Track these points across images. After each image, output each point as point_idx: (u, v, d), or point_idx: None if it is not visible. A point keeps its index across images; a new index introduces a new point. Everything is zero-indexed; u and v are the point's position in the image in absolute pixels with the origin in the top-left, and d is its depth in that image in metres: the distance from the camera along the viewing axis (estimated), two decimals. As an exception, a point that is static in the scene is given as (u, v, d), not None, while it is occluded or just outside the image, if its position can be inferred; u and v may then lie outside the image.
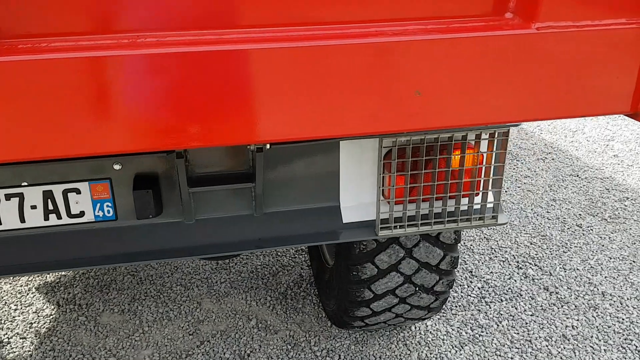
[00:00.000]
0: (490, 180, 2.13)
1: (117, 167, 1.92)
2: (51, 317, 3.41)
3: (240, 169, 2.00)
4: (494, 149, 2.09)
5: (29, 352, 3.13)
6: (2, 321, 3.38)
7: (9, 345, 3.19)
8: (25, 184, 1.90)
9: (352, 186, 2.10)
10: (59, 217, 1.95)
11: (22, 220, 1.93)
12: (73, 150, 1.32)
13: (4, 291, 3.66)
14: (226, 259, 3.15)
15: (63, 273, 3.85)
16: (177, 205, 2.01)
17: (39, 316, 3.42)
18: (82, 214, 1.96)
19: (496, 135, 2.07)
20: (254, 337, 3.24)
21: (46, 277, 3.79)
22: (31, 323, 3.36)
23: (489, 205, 2.17)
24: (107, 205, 1.96)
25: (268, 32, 1.30)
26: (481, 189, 2.14)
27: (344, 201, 2.11)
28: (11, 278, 3.78)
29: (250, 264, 3.92)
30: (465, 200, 2.14)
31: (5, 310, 3.48)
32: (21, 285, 3.71)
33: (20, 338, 3.24)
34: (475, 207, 2.15)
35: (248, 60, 1.27)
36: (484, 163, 2.11)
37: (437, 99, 1.33)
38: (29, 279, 3.77)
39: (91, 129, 1.28)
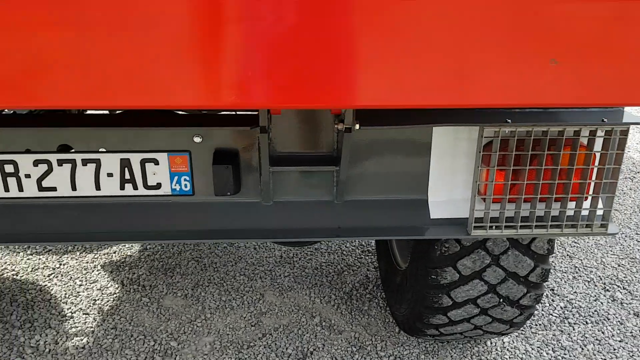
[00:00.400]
0: (603, 184, 1.89)
1: (197, 139, 1.82)
2: (115, 295, 3.38)
3: (324, 150, 1.86)
4: (610, 149, 1.85)
5: (91, 329, 3.10)
6: (67, 295, 3.38)
7: (72, 319, 3.17)
8: (103, 150, 1.82)
9: (444, 179, 1.91)
10: (135, 187, 1.86)
11: (98, 187, 1.86)
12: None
13: (70, 266, 3.68)
14: (302, 246, 3.00)
15: (129, 253, 3.84)
16: (255, 185, 1.89)
17: (102, 293, 3.40)
18: (158, 186, 1.87)
19: (614, 134, 1.83)
20: (317, 335, 3.09)
21: (111, 256, 3.79)
22: (95, 300, 3.34)
23: (599, 212, 1.93)
24: (185, 179, 1.86)
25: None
26: (591, 192, 1.90)
27: (432, 195, 1.93)
28: (78, 254, 3.80)
29: (314, 260, 3.78)
30: (572, 204, 1.91)
31: (70, 285, 3.48)
32: (87, 262, 3.72)
33: (84, 314, 3.22)
34: (583, 212, 1.92)
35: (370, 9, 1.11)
36: (597, 164, 1.87)
37: (576, 70, 1.13)
38: (95, 256, 3.78)
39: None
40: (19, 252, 3.80)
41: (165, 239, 1.91)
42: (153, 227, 1.89)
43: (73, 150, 1.81)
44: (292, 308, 3.30)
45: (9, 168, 1.80)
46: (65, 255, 3.79)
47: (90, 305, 3.29)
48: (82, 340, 3.02)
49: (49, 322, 3.14)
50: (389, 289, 3.15)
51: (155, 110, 1.82)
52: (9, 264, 3.67)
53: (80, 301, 3.33)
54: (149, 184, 1.86)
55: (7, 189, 1.83)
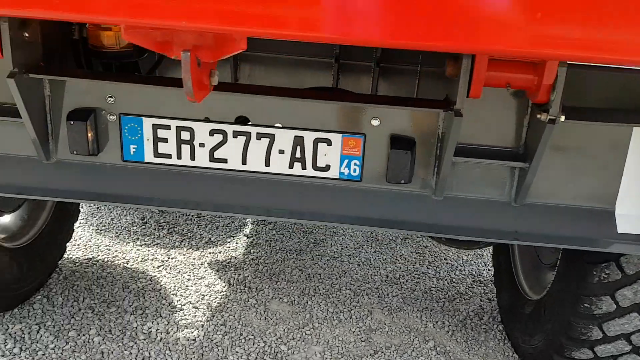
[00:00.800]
0: None
1: (375, 122, 1.75)
2: (222, 293, 3.35)
3: (509, 145, 1.75)
4: None
5: (201, 323, 3.06)
6: (176, 288, 3.37)
7: (181, 311, 3.15)
8: (279, 125, 1.79)
9: (637, 190, 1.75)
10: (304, 167, 1.81)
11: (267, 164, 1.82)
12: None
13: (178, 261, 3.69)
14: (471, 248, 2.82)
15: (233, 255, 3.82)
16: (428, 176, 1.80)
17: (210, 290, 3.37)
18: (327, 167, 1.81)
19: None
20: (432, 359, 2.91)
21: (217, 255, 3.78)
22: (203, 295, 3.31)
23: None
24: (355, 164, 1.80)
25: None
26: None
27: (621, 207, 1.77)
28: (184, 249, 3.82)
29: (422, 284, 3.63)
30: None
31: (179, 279, 3.48)
32: (194, 259, 3.72)
33: (193, 307, 3.19)
34: None
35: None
36: None
37: None
38: (202, 254, 3.78)
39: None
40: (129, 242, 3.86)
41: (327, 221, 1.83)
42: (316, 208, 1.83)
43: (250, 123, 1.78)
44: (403, 329, 3.15)
45: (185, 135, 1.80)
46: (173, 250, 3.81)
47: (199, 300, 3.26)
48: (192, 332, 2.98)
49: (160, 312, 3.12)
50: (515, 320, 2.95)
51: (334, 90, 1.77)
52: (119, 252, 3.73)
53: (189, 295, 3.31)
54: (318, 165, 1.81)
55: (179, 157, 1.82)
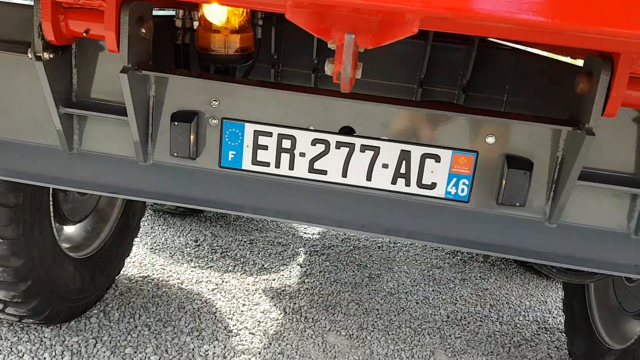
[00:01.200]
0: None
1: (490, 140, 1.67)
2: (278, 321, 3.23)
3: (632, 172, 1.64)
4: None
5: (258, 349, 2.94)
6: (232, 312, 3.27)
7: (238, 337, 3.04)
8: (385, 137, 1.71)
9: None
10: (408, 183, 1.73)
11: (369, 178, 1.74)
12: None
13: (232, 285, 3.59)
14: (584, 281, 2.65)
15: (288, 283, 3.71)
16: (541, 201, 1.69)
17: (266, 317, 3.26)
18: (432, 186, 1.72)
19: None
20: (504, 406, 2.73)
21: (271, 283, 3.67)
22: (259, 321, 3.20)
23: None
24: (464, 183, 1.70)
25: None
26: None
27: None
28: (238, 274, 3.73)
29: (485, 327, 3.45)
30: None
31: (234, 303, 3.38)
32: (248, 284, 3.63)
33: (250, 333, 3.08)
34: None
35: None
36: None
37: None
38: (255, 279, 3.68)
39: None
40: (183, 263, 3.79)
41: (426, 240, 1.72)
42: (415, 227, 1.73)
43: (355, 134, 1.72)
44: (469, 372, 2.98)
45: (286, 143, 1.73)
46: (227, 274, 3.73)
47: (255, 326, 3.15)
48: (250, 359, 2.86)
49: (217, 335, 3.02)
50: (593, 369, 2.76)
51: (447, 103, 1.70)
52: (174, 272, 3.66)
53: (245, 320, 3.20)
54: (424, 182, 1.72)
55: (277, 165, 1.75)
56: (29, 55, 1.59)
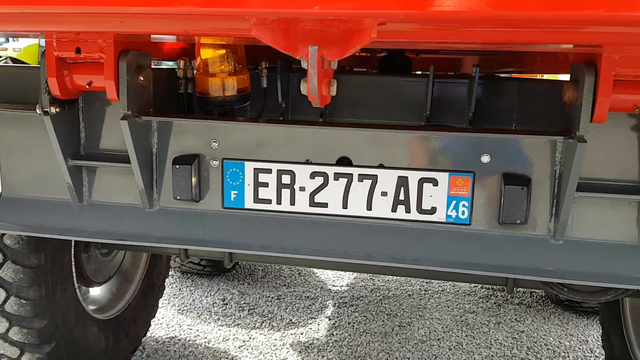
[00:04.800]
0: None
1: (485, 159, 1.67)
2: (306, 375, 3.16)
3: (634, 179, 1.60)
4: None
5: (285, 403, 2.87)
6: (258, 368, 3.22)
7: (264, 392, 2.98)
8: (382, 165, 1.73)
9: None
10: (408, 210, 1.72)
11: (369, 207, 1.75)
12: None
13: (259, 341, 3.55)
14: (597, 300, 2.54)
15: (316, 336, 3.64)
16: (544, 217, 1.66)
17: (294, 371, 3.19)
18: (433, 210, 1.72)
19: None
20: None
21: (299, 337, 3.62)
22: (286, 377, 3.14)
23: None
24: (464, 205, 1.69)
25: None
26: None
27: None
28: (265, 330, 3.68)
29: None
30: None
31: None
32: (275, 339, 3.58)
33: (276, 388, 3.02)
34: None
35: None
36: None
37: None
38: (283, 334, 3.63)
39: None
40: (210, 322, 3.78)
41: (432, 266, 1.69)
42: (419, 254, 1.71)
43: (352, 165, 1.74)
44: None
45: (285, 179, 1.77)
46: (254, 330, 3.69)
47: (282, 381, 3.08)
48: (277, 413, 2.79)
49: (243, 391, 2.96)
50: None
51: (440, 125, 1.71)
52: (200, 332, 3.64)
53: (272, 376, 3.14)
54: (424, 207, 1.72)
55: (279, 202, 1.78)
56: (38, 110, 1.69)
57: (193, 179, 1.77)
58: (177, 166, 1.75)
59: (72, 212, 1.88)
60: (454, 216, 1.71)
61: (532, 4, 0.99)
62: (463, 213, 1.70)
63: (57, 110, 1.67)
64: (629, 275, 1.59)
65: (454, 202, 1.70)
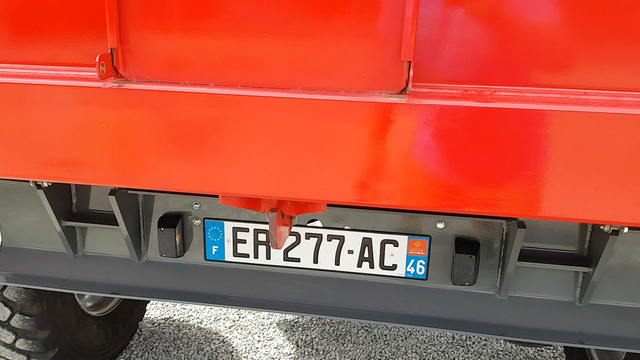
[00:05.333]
0: None
1: (440, 225, 1.85)
2: (291, 356, 3.46)
3: (572, 248, 1.80)
4: None
5: (271, 387, 3.19)
6: (247, 350, 3.52)
7: (253, 375, 3.29)
8: (348, 227, 1.91)
9: None
10: (372, 266, 1.92)
11: (337, 262, 1.94)
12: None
13: (248, 320, 3.84)
14: (535, 347, 2.83)
15: (300, 317, 3.93)
16: (492, 276, 1.86)
17: (279, 352, 3.50)
18: (394, 267, 1.91)
19: None
20: None
21: (285, 316, 3.91)
22: (272, 358, 3.44)
23: None
24: (421, 263, 1.89)
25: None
26: None
27: (691, 309, 1.77)
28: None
29: (490, 347, 3.62)
30: None
31: (249, 340, 3.62)
32: (263, 318, 3.87)
33: (263, 371, 3.33)
34: None
35: None
36: None
37: None
38: (270, 314, 3.92)
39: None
40: (202, 301, 4.05)
41: (395, 322, 1.92)
42: (383, 307, 1.92)
43: (321, 226, 1.92)
44: (470, 397, 3.16)
45: (261, 237, 1.95)
46: (243, 310, 3.97)
47: (269, 363, 3.39)
48: (263, 398, 3.10)
49: (233, 375, 3.27)
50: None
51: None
52: (194, 311, 3.92)
53: (260, 357, 3.44)
54: (386, 264, 1.91)
55: (256, 256, 1.97)
56: (31, 184, 1.84)
57: (177, 238, 1.94)
58: (162, 229, 1.92)
59: (67, 262, 2.07)
60: (412, 272, 1.91)
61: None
62: (420, 270, 1.90)
63: (49, 184, 1.82)
64: (564, 331, 1.81)
65: (412, 261, 1.90)
